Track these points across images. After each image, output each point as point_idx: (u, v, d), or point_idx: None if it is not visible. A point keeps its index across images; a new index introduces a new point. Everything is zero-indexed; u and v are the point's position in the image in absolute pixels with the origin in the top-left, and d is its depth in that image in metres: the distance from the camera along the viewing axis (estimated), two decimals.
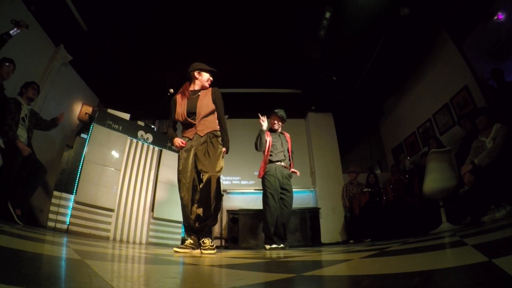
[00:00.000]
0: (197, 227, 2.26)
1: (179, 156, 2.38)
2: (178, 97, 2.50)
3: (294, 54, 5.08)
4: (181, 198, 2.29)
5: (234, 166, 6.05)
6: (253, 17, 4.41)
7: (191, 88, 2.50)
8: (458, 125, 3.83)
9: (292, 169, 3.65)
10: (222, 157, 2.34)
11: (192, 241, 2.23)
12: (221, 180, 2.41)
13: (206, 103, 2.41)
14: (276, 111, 3.63)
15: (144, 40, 4.76)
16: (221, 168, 2.29)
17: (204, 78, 2.51)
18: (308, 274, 0.88)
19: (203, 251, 2.09)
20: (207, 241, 2.13)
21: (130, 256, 1.58)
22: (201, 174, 2.26)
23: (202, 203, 2.22)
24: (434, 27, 4.26)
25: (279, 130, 3.70)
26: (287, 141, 3.69)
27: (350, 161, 6.99)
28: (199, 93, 2.48)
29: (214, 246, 2.20)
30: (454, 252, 1.13)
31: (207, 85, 2.51)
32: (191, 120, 2.37)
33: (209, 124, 2.37)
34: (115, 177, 3.59)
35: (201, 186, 2.23)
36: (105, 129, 3.65)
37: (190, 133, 2.38)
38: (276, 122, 3.65)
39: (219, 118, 2.46)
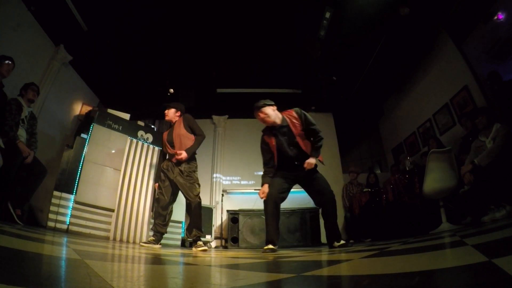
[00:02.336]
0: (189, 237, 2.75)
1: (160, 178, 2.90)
2: (164, 134, 3.03)
3: (294, 54, 5.08)
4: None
5: (234, 166, 6.06)
6: (253, 17, 4.40)
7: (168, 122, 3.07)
8: (459, 124, 3.84)
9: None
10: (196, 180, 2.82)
11: (153, 238, 2.78)
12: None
13: (179, 131, 2.88)
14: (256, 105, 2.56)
15: (144, 40, 4.76)
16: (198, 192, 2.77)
17: (170, 114, 3.01)
18: (308, 274, 0.88)
19: (195, 249, 2.56)
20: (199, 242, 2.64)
21: (130, 256, 1.58)
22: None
23: (190, 221, 2.76)
24: (434, 27, 4.26)
25: (278, 121, 2.51)
26: (292, 131, 2.49)
27: (350, 161, 6.99)
28: (174, 125, 2.98)
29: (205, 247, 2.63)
30: (454, 252, 1.13)
31: (173, 120, 3.00)
32: (172, 150, 2.84)
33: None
34: (115, 177, 3.59)
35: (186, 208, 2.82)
36: (105, 129, 3.65)
37: (172, 158, 2.85)
38: (262, 117, 2.52)
39: (195, 134, 2.90)
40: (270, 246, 2.29)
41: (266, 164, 2.62)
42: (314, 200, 2.65)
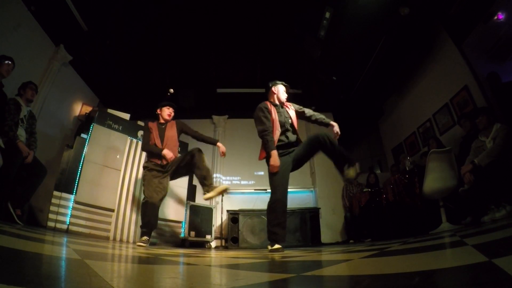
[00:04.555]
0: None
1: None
2: (152, 125, 3.05)
3: (294, 54, 5.08)
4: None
5: (234, 166, 6.05)
6: (253, 17, 4.41)
7: (160, 121, 3.11)
8: (458, 124, 3.84)
9: None
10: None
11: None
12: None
13: (171, 133, 3.01)
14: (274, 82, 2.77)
15: (144, 40, 4.76)
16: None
17: (164, 113, 3.09)
18: (308, 274, 0.88)
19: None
20: None
21: (130, 256, 1.58)
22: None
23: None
24: (434, 27, 4.26)
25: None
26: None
27: None
28: (166, 125, 3.07)
29: None
30: (454, 252, 1.13)
31: (168, 119, 3.09)
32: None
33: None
34: (115, 177, 3.59)
35: None
36: (105, 129, 3.65)
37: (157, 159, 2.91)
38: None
39: (194, 136, 3.06)
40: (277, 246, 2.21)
41: (268, 131, 2.44)
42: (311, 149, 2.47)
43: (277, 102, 2.68)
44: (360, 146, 7.33)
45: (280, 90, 2.72)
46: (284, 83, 2.78)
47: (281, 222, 2.29)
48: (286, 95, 2.75)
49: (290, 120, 2.59)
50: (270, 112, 2.53)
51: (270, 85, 2.73)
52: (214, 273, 1.04)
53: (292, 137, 2.53)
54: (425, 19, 4.01)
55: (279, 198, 2.32)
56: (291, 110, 2.69)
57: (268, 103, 2.62)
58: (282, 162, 2.36)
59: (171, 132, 3.04)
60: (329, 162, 2.64)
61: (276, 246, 2.22)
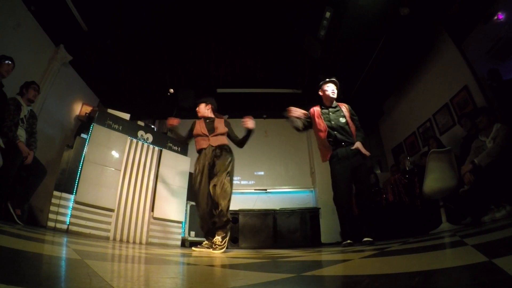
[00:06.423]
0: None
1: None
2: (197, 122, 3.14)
3: (294, 54, 5.08)
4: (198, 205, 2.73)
5: (234, 166, 6.05)
6: (253, 17, 4.41)
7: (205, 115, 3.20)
8: (459, 124, 3.83)
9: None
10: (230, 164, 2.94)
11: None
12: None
13: (218, 124, 3.07)
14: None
15: (144, 40, 4.77)
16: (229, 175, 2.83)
17: (201, 109, 3.19)
18: (308, 274, 0.88)
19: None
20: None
21: (130, 256, 1.58)
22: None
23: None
24: (434, 27, 4.26)
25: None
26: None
27: None
28: (214, 120, 3.15)
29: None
30: (454, 252, 1.13)
31: (206, 114, 3.20)
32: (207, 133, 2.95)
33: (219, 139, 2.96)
34: (115, 177, 3.59)
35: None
36: (105, 129, 3.65)
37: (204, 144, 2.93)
38: (326, 93, 2.97)
39: (234, 141, 3.21)
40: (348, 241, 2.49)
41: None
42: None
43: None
44: None
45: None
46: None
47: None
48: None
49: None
50: None
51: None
52: (214, 273, 1.04)
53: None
54: (425, 19, 4.01)
55: (334, 197, 2.70)
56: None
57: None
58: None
59: (218, 123, 3.12)
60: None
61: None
